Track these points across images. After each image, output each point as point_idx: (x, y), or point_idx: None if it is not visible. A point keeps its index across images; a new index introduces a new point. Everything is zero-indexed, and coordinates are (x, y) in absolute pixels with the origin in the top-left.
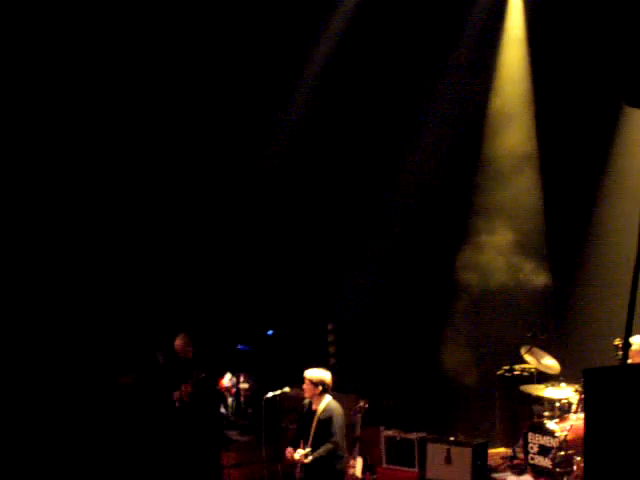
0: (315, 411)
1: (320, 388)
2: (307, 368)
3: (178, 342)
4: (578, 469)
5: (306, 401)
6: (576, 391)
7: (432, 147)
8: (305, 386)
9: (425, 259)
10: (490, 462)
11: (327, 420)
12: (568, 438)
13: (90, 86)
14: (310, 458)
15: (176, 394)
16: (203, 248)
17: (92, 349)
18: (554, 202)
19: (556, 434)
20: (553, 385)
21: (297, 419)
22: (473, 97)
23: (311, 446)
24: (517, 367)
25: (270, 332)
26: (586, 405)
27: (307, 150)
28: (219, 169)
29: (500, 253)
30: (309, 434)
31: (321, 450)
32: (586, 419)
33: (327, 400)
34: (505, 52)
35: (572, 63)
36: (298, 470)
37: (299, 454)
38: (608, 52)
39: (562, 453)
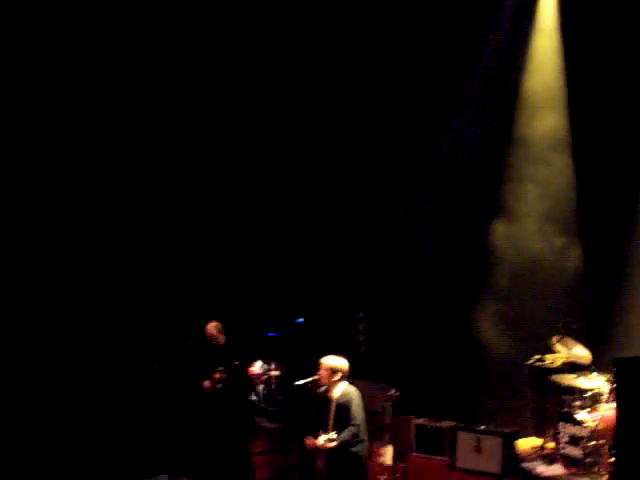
0: (331, 398)
1: (337, 375)
2: (336, 356)
3: (209, 328)
4: (608, 459)
5: (322, 389)
6: (607, 381)
7: (465, 130)
8: (322, 373)
9: (456, 248)
10: (520, 451)
11: (346, 405)
12: (599, 428)
13: (91, 87)
14: (335, 442)
15: (207, 382)
16: (235, 236)
17: (125, 336)
18: (588, 188)
19: (587, 424)
20: (584, 375)
21: (313, 407)
22: (506, 82)
23: (329, 434)
24: (548, 356)
25: (300, 320)
26: (617, 395)
27: (342, 135)
28: (260, 160)
29: (531, 239)
30: (328, 421)
31: (345, 434)
32: (617, 409)
33: (344, 386)
34: (538, 38)
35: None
36: (319, 458)
37: (323, 439)
38: None
39: (593, 443)
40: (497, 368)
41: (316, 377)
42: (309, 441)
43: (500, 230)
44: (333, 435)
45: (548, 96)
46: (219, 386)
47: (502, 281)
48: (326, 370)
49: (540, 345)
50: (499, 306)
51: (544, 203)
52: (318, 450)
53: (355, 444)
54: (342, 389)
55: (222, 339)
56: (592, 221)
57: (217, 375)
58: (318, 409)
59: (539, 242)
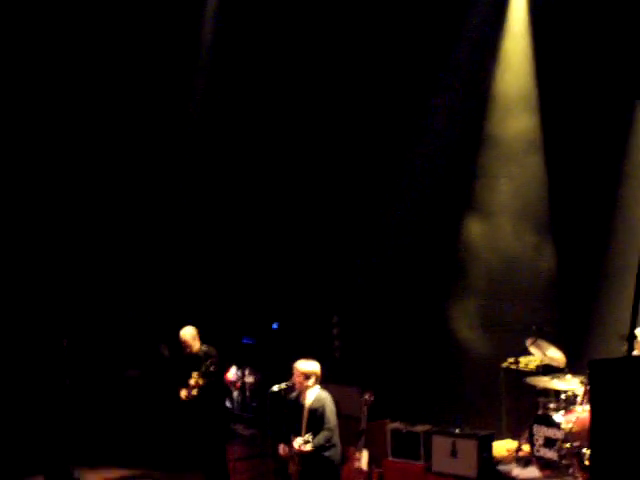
0: (304, 403)
1: (311, 379)
2: (309, 361)
3: (183, 334)
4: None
5: (293, 394)
6: (582, 383)
7: (438, 131)
8: (296, 378)
9: (429, 250)
10: (496, 454)
11: (319, 410)
12: (574, 430)
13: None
14: (310, 446)
15: (183, 391)
16: (209, 241)
17: (99, 343)
18: (561, 188)
19: (562, 426)
20: (558, 377)
21: (284, 414)
22: (478, 84)
23: (303, 438)
24: (522, 359)
25: (275, 325)
26: (592, 396)
27: (311, 140)
28: (227, 163)
29: (503, 241)
30: (300, 426)
31: (320, 437)
32: (592, 411)
33: (317, 391)
34: (509, 39)
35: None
36: (292, 464)
37: (298, 443)
38: (616, 42)
39: (568, 445)
40: (472, 371)
41: (290, 382)
42: (282, 447)
43: (474, 229)
44: (309, 438)
45: (520, 98)
46: (195, 393)
47: (477, 282)
48: (300, 375)
49: (515, 346)
50: (474, 307)
51: (517, 201)
52: (291, 456)
53: (328, 449)
54: (315, 394)
55: (197, 345)
56: (566, 221)
57: (192, 382)
58: (291, 415)
59: (513, 241)
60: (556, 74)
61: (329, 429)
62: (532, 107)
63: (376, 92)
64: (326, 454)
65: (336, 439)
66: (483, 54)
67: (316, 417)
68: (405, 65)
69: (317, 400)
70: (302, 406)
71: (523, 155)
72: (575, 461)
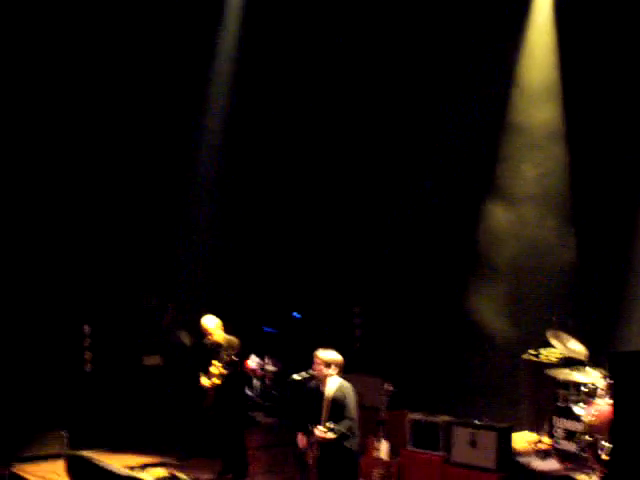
0: (324, 393)
1: (332, 368)
2: (330, 350)
3: (205, 323)
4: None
5: (312, 383)
6: (603, 375)
7: (463, 119)
8: (317, 366)
9: (449, 241)
10: (515, 446)
11: (341, 399)
12: (594, 423)
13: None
14: (333, 434)
15: (204, 380)
16: (232, 231)
17: (121, 330)
18: (583, 180)
19: (582, 418)
20: (579, 369)
21: (304, 402)
22: (503, 74)
23: (325, 426)
24: (543, 351)
25: (296, 314)
26: (613, 389)
27: (334, 132)
28: (255, 157)
29: (526, 229)
30: (321, 416)
31: (342, 426)
32: (613, 403)
33: (338, 380)
34: (533, 30)
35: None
36: (311, 453)
37: (320, 430)
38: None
39: (588, 438)
40: (493, 362)
41: (312, 371)
42: (301, 436)
43: (496, 216)
44: (331, 425)
45: (543, 88)
46: (217, 381)
47: (499, 272)
48: (321, 364)
49: (537, 338)
50: (496, 297)
51: (540, 189)
52: (310, 445)
53: (349, 438)
54: (337, 383)
55: (219, 334)
56: (591, 211)
57: (214, 370)
58: (311, 404)
59: (536, 230)
60: (580, 65)
61: (351, 418)
62: (556, 97)
63: (402, 81)
64: (346, 443)
65: (356, 429)
66: (508, 44)
67: (337, 406)
68: (431, 54)
69: (339, 389)
70: (323, 395)
71: (547, 143)
72: (590, 453)
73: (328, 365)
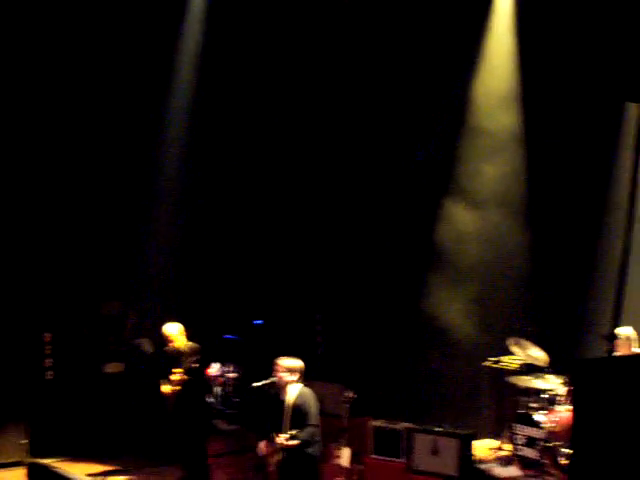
0: (286, 399)
1: (294, 375)
2: (292, 357)
3: (168, 330)
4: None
5: (274, 391)
6: (563, 382)
7: (421, 128)
8: (280, 374)
9: (410, 245)
10: (477, 453)
11: (303, 406)
12: (555, 430)
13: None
14: (296, 441)
15: (166, 387)
16: (194, 237)
17: (81, 337)
18: (539, 185)
19: (543, 425)
20: (540, 376)
21: (266, 410)
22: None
23: (288, 434)
24: (504, 358)
25: (258, 321)
26: (574, 396)
27: (298, 141)
28: (219, 161)
29: (481, 235)
30: (283, 423)
31: (305, 433)
32: (573, 410)
33: (299, 387)
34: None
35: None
36: (271, 461)
37: (283, 437)
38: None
39: (549, 444)
40: (454, 369)
41: (273, 378)
42: (262, 444)
43: (457, 219)
44: (294, 433)
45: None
46: (177, 388)
47: (461, 274)
48: (283, 371)
49: (497, 346)
50: (457, 304)
51: (499, 187)
52: (272, 452)
53: (312, 445)
54: (298, 390)
55: (181, 341)
56: (550, 217)
57: (176, 377)
58: (273, 411)
59: (496, 236)
60: (541, 73)
61: (313, 425)
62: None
63: (366, 83)
64: (309, 450)
65: (318, 436)
66: (468, 52)
67: (299, 414)
68: (395, 58)
69: (300, 396)
70: (284, 402)
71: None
72: (549, 459)
73: (290, 372)
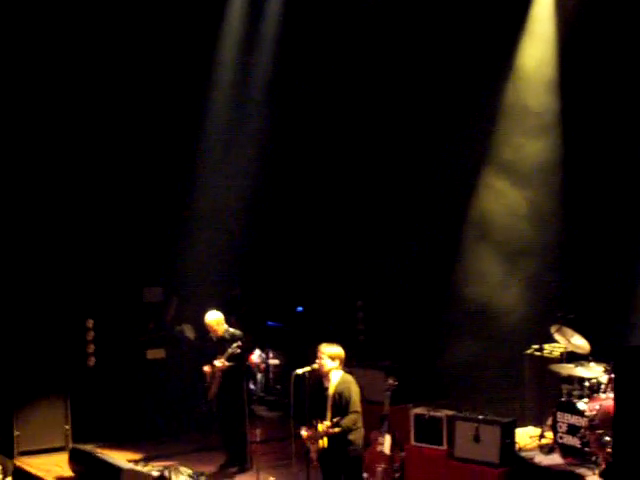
0: (327, 387)
1: (335, 362)
2: (333, 344)
3: (207, 319)
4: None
5: (316, 377)
6: (605, 370)
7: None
8: (322, 361)
9: (451, 229)
10: (518, 441)
11: (345, 393)
12: (597, 418)
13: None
14: (337, 428)
15: (207, 367)
16: (235, 227)
17: (124, 324)
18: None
19: (585, 413)
20: (582, 364)
21: (308, 397)
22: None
23: (331, 421)
24: (547, 346)
25: (300, 309)
26: (616, 384)
27: (338, 133)
28: (263, 151)
29: (520, 223)
30: (325, 410)
31: (347, 420)
32: (615, 398)
33: (341, 374)
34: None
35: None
36: (314, 447)
37: (326, 424)
38: None
39: (591, 432)
40: (496, 357)
41: (315, 366)
42: (304, 430)
43: (491, 204)
44: (336, 420)
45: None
46: (219, 374)
47: (508, 255)
48: (325, 357)
49: (540, 333)
50: (502, 288)
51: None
52: (314, 439)
53: (354, 432)
54: (339, 377)
55: (221, 329)
56: (596, 209)
57: (218, 363)
58: (314, 398)
59: (526, 232)
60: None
61: (355, 412)
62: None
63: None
64: (351, 437)
65: (360, 423)
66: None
67: (341, 400)
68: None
69: (342, 383)
70: (326, 389)
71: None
72: (594, 446)
73: (331, 359)
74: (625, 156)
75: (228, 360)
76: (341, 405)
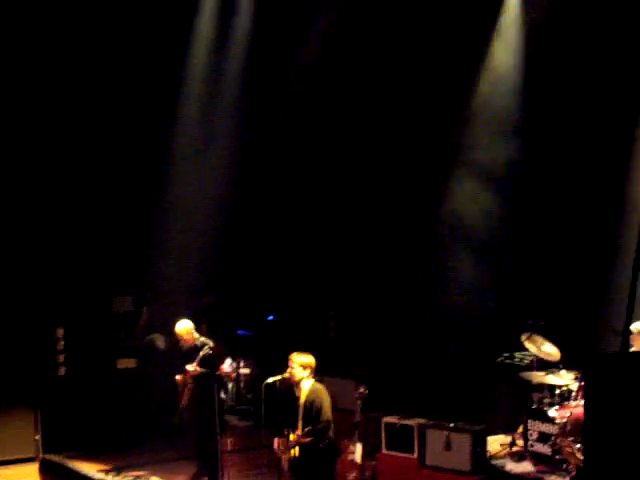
0: (298, 396)
1: (307, 371)
2: (304, 353)
3: (178, 329)
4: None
5: (287, 386)
6: (576, 378)
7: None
8: (293, 370)
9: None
10: (490, 449)
11: (316, 402)
12: (568, 425)
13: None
14: (309, 438)
15: (179, 376)
16: (205, 235)
17: (94, 333)
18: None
19: (556, 421)
20: (553, 372)
21: (279, 406)
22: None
23: (302, 430)
24: (517, 354)
25: (271, 317)
26: (586, 392)
27: (304, 135)
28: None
29: (491, 225)
30: (296, 418)
31: (318, 429)
32: (585, 406)
33: (312, 383)
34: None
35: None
36: (285, 457)
37: (297, 434)
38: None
39: (561, 440)
40: (467, 365)
41: (286, 375)
42: (276, 440)
43: (463, 207)
44: (307, 429)
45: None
46: (190, 381)
47: (465, 270)
48: (296, 367)
49: (510, 341)
50: (467, 300)
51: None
52: (286, 448)
53: (325, 440)
54: (310, 385)
55: (192, 339)
56: (565, 215)
57: (190, 368)
58: (286, 407)
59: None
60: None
61: (326, 421)
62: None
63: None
64: (322, 446)
65: (331, 431)
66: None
67: (312, 409)
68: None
69: (313, 392)
70: (297, 398)
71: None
72: (564, 453)
73: (303, 368)
74: (595, 159)
75: (200, 365)
76: (312, 414)
